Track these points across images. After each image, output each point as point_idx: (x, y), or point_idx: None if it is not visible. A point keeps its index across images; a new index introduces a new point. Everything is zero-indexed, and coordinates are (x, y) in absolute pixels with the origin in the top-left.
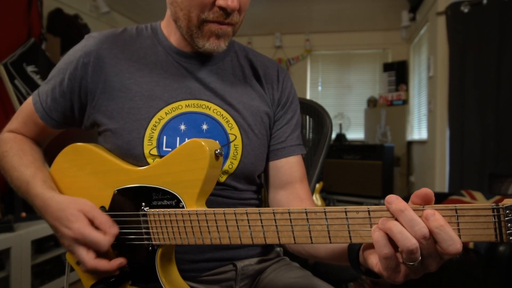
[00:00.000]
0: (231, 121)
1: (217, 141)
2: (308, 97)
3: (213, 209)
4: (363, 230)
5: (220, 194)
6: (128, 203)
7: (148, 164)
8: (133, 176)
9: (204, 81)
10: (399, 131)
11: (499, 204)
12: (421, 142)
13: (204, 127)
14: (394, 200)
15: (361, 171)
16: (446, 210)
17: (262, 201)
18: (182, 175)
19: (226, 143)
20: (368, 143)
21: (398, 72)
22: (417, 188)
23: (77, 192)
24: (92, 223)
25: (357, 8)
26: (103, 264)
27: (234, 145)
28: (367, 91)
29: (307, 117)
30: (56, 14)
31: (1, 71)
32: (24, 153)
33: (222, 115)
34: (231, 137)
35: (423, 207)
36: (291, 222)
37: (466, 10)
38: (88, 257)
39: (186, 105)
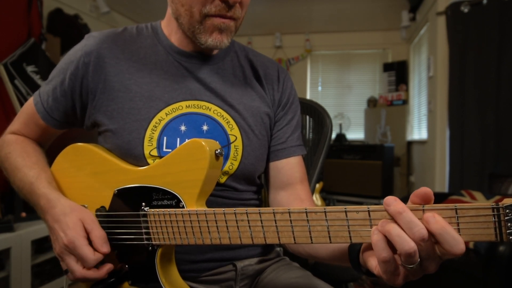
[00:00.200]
0: (232, 122)
1: (217, 141)
2: (308, 97)
3: (213, 209)
4: (363, 230)
5: (220, 195)
6: (128, 203)
7: (148, 165)
8: (133, 176)
9: (204, 82)
10: (399, 131)
11: (499, 203)
12: (421, 142)
13: (205, 128)
14: (392, 202)
15: (361, 171)
16: (446, 210)
17: (262, 202)
18: (182, 175)
19: (226, 144)
20: (368, 143)
21: (398, 72)
22: (417, 188)
23: (77, 192)
24: (88, 236)
25: (357, 8)
26: (91, 274)
27: (235, 146)
28: (367, 91)
29: (307, 117)
30: (56, 14)
31: (1, 71)
32: (27, 154)
33: (222, 116)
34: (232, 138)
35: (423, 207)
36: (291, 222)
37: (466, 10)
38: (77, 267)
39: (186, 106)
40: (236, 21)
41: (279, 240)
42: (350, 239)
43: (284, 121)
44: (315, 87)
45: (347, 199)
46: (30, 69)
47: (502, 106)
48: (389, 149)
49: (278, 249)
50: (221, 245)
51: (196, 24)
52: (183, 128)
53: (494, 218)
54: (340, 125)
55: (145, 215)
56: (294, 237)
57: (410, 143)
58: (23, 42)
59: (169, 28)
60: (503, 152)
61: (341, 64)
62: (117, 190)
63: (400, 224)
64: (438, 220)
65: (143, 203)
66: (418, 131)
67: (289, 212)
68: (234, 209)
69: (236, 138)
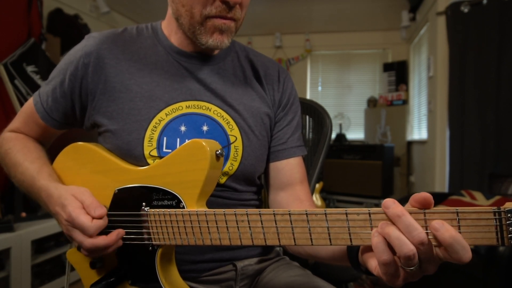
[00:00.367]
0: (232, 122)
1: (217, 142)
2: (308, 97)
3: (214, 209)
4: (364, 232)
5: (220, 195)
6: (129, 203)
7: (148, 165)
8: (134, 176)
9: (204, 82)
10: (399, 131)
11: (501, 207)
12: (421, 142)
13: (205, 128)
14: (391, 205)
15: (361, 171)
16: (448, 213)
17: (262, 202)
18: (182, 176)
19: (226, 145)
20: (368, 143)
21: (398, 72)
22: (417, 188)
23: None
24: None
25: (357, 8)
26: (101, 240)
27: (235, 146)
28: (367, 91)
29: (307, 117)
30: (56, 14)
31: (1, 71)
32: (28, 149)
33: (222, 116)
34: (232, 139)
35: (424, 210)
36: (291, 224)
37: (466, 10)
38: (84, 238)
39: (186, 106)
40: (236, 21)
41: (279, 241)
42: (351, 241)
43: (284, 122)
44: (315, 87)
45: (347, 199)
46: (30, 69)
47: (502, 106)
48: (389, 149)
49: (278, 248)
50: (221, 245)
51: (196, 25)
52: (183, 128)
53: (496, 222)
54: (340, 125)
55: (145, 215)
56: (294, 239)
57: (410, 143)
58: (23, 42)
59: (169, 29)
60: (503, 152)
61: (341, 64)
62: (117, 189)
63: (399, 227)
64: (448, 229)
65: (144, 203)
66: (418, 131)
67: (289, 214)
68: (235, 210)
69: (236, 138)
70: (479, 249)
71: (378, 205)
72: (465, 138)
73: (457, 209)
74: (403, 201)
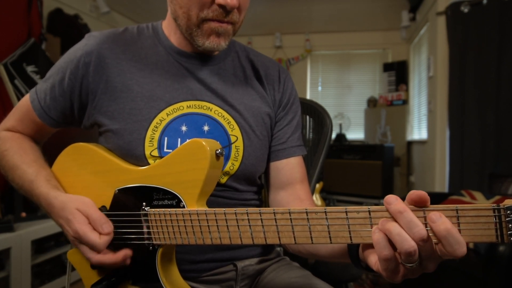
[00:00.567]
0: (232, 122)
1: (218, 141)
2: (308, 97)
3: (214, 209)
4: (364, 230)
5: (221, 195)
6: (129, 202)
7: (149, 165)
8: (134, 176)
9: (205, 82)
10: (399, 131)
11: (500, 204)
12: (421, 142)
13: (206, 128)
14: (393, 201)
15: (361, 171)
16: (447, 211)
17: (263, 202)
18: (183, 175)
19: (227, 145)
20: (368, 143)
21: (398, 72)
22: (417, 188)
23: (78, 191)
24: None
25: (357, 8)
26: (108, 258)
27: (235, 146)
28: (367, 91)
29: (307, 117)
30: (56, 14)
31: (1, 71)
32: (25, 151)
33: (223, 116)
34: (232, 139)
35: (424, 208)
36: (291, 222)
37: (466, 10)
38: (92, 254)
39: (187, 106)
40: (234, 25)
41: (279, 240)
42: (351, 239)
43: (284, 122)
44: (315, 87)
45: (347, 199)
46: (30, 69)
47: (502, 106)
48: (389, 149)
49: (278, 249)
50: (222, 245)
51: (193, 27)
52: (184, 128)
53: (495, 219)
54: (340, 125)
55: (145, 215)
56: (294, 237)
57: (410, 143)
58: (23, 42)
59: (169, 29)
60: (503, 152)
61: (341, 64)
62: (118, 189)
63: (400, 224)
64: (444, 221)
65: (144, 203)
66: (418, 131)
67: (289, 212)
68: (235, 209)
69: (237, 138)
70: (479, 249)
71: (378, 205)
72: (465, 138)
73: (456, 207)
74: (403, 200)
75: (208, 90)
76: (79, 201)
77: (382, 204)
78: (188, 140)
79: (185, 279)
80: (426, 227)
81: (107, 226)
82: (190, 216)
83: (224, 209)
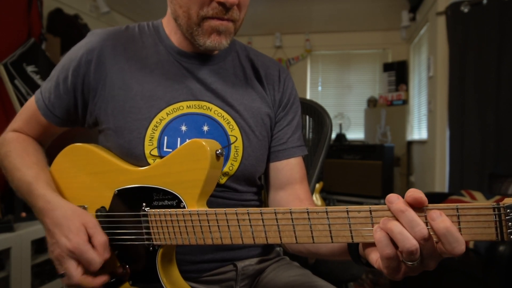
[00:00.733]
0: (232, 122)
1: (217, 142)
2: (308, 97)
3: (214, 209)
4: (365, 229)
5: (221, 196)
6: (129, 203)
7: (148, 164)
8: (134, 177)
9: (205, 82)
10: (399, 131)
11: (500, 203)
12: (421, 142)
13: (205, 128)
14: (395, 200)
15: (361, 171)
16: (448, 210)
17: (263, 202)
18: (183, 176)
19: (227, 145)
20: (368, 143)
21: (398, 72)
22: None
23: (77, 192)
24: (89, 239)
25: (357, 8)
26: (89, 281)
27: (235, 146)
28: (367, 91)
29: (307, 117)
30: (56, 14)
31: (1, 71)
32: (27, 153)
33: (223, 116)
34: (232, 139)
35: (427, 206)
36: (292, 222)
37: (466, 10)
38: (77, 272)
39: (187, 106)
40: (235, 23)
41: (280, 239)
42: (352, 239)
43: (284, 122)
44: (315, 87)
45: (347, 199)
46: (30, 69)
47: (502, 106)
48: (389, 149)
49: (278, 249)
50: (222, 245)
51: (194, 26)
52: (183, 128)
53: (495, 218)
54: (340, 125)
55: (145, 215)
56: (295, 237)
57: (410, 143)
58: (23, 42)
59: (169, 28)
60: (503, 152)
61: (341, 64)
62: (117, 190)
63: (402, 223)
64: (443, 220)
65: (144, 204)
66: (418, 131)
67: (290, 212)
68: (235, 209)
69: (237, 139)
70: (479, 249)
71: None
72: (465, 138)
73: (457, 205)
74: None
75: (208, 90)
76: (85, 217)
77: (383, 204)
78: (188, 140)
79: (185, 279)
80: (427, 225)
81: (107, 252)
82: (191, 216)
83: (224, 209)
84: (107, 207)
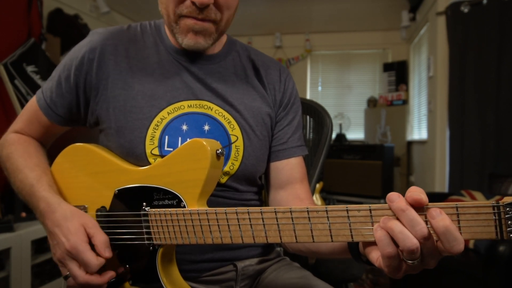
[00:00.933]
0: (233, 122)
1: (218, 141)
2: (308, 97)
3: (215, 208)
4: (365, 228)
5: (221, 195)
6: (129, 203)
7: (149, 163)
8: (134, 176)
9: (205, 81)
10: (399, 131)
11: (500, 201)
12: (421, 142)
13: (206, 127)
14: (396, 199)
15: (361, 171)
16: (447, 208)
17: (263, 202)
18: (183, 175)
19: (227, 144)
20: (368, 143)
21: (398, 72)
22: None
23: (77, 192)
24: (90, 240)
25: (357, 8)
26: (94, 279)
27: (236, 146)
28: (367, 91)
29: (307, 117)
30: (56, 14)
31: (1, 71)
32: (29, 155)
33: (223, 116)
34: (233, 138)
35: (427, 205)
36: (292, 221)
37: (466, 10)
38: (80, 272)
39: (188, 106)
40: (216, 23)
41: (280, 239)
42: (352, 238)
43: (285, 122)
44: (315, 87)
45: (347, 199)
46: (30, 69)
47: (502, 106)
48: (389, 149)
49: (278, 249)
50: (222, 245)
51: (173, 24)
52: (184, 127)
53: (495, 216)
54: (340, 125)
55: (146, 215)
56: (295, 236)
57: (410, 143)
58: (23, 42)
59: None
60: (503, 152)
61: (341, 64)
62: (117, 190)
63: (403, 221)
64: (443, 218)
65: (144, 203)
66: (418, 131)
67: (290, 211)
68: (236, 208)
69: (237, 138)
70: (479, 249)
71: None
72: (465, 138)
73: (456, 204)
74: None
75: (209, 90)
76: (85, 218)
77: (383, 204)
78: (188, 140)
79: (185, 279)
80: (427, 224)
81: (109, 251)
82: (191, 216)
83: (225, 208)
84: (108, 206)
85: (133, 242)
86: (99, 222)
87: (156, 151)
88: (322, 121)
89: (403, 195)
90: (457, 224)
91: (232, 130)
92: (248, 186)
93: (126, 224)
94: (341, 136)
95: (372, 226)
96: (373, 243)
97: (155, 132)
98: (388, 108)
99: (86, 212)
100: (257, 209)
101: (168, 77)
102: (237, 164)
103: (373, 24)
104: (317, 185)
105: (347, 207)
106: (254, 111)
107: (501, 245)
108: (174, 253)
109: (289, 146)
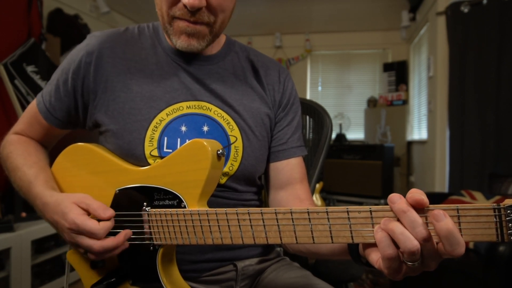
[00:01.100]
0: (232, 122)
1: (218, 142)
2: (308, 97)
3: (215, 209)
4: (365, 230)
5: (221, 196)
6: (130, 203)
7: (149, 165)
8: (135, 176)
9: (204, 82)
10: (399, 131)
11: (500, 204)
12: (421, 142)
13: (205, 128)
14: (397, 200)
15: (361, 171)
16: (448, 210)
17: (263, 202)
18: (184, 175)
19: (227, 145)
20: (368, 143)
21: (398, 72)
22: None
23: (78, 191)
24: (88, 213)
25: (357, 8)
26: (110, 242)
27: (235, 147)
28: (367, 91)
29: (307, 117)
30: (56, 14)
31: (1, 71)
32: (28, 154)
33: (222, 116)
34: (232, 139)
35: (427, 207)
36: (293, 222)
37: (466, 10)
38: (93, 242)
39: (187, 107)
40: (210, 26)
41: (280, 240)
42: (352, 239)
43: (284, 122)
44: (315, 87)
45: (347, 199)
46: (30, 69)
47: (502, 106)
48: (389, 149)
49: (278, 249)
50: (222, 245)
51: (167, 25)
52: (183, 128)
53: (496, 219)
54: (340, 125)
55: (146, 215)
56: (296, 237)
57: (410, 143)
58: (23, 42)
59: None
60: (503, 152)
61: (341, 64)
62: (118, 190)
63: (404, 223)
64: (447, 222)
65: (145, 203)
66: (418, 131)
67: (291, 212)
68: (236, 209)
69: (237, 139)
70: (479, 249)
71: (378, 205)
72: (465, 138)
73: (457, 206)
74: None
75: (207, 91)
76: (76, 196)
77: (383, 204)
78: (189, 141)
79: (185, 279)
80: (427, 226)
81: (108, 211)
82: (191, 216)
83: (225, 209)
84: (108, 206)
85: (134, 242)
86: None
87: (155, 153)
88: (322, 121)
89: (404, 195)
90: (457, 226)
91: (231, 131)
92: (247, 186)
93: (126, 224)
94: (341, 136)
95: (373, 227)
96: (373, 245)
97: (154, 133)
98: (388, 108)
99: None
100: (258, 209)
101: (167, 78)
102: (236, 164)
103: (373, 24)
104: (317, 185)
105: (347, 208)
106: (253, 111)
107: (501, 245)
108: (174, 253)
109: (288, 146)
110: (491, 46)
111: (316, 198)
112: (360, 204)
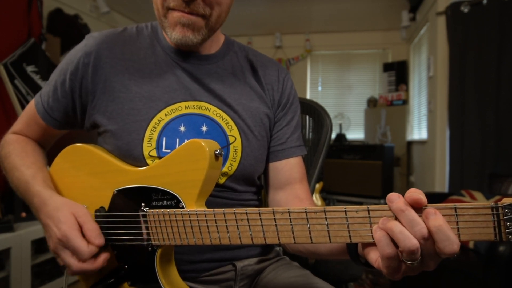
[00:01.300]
0: (231, 122)
1: (216, 142)
2: (308, 97)
3: (213, 209)
4: (363, 229)
5: (220, 196)
6: (128, 203)
7: (147, 165)
8: (133, 177)
9: (203, 82)
10: (399, 131)
11: (498, 203)
12: (421, 142)
13: (204, 128)
14: (395, 199)
15: (361, 171)
16: (446, 209)
17: (262, 202)
18: (182, 176)
19: (225, 145)
20: (368, 143)
21: (398, 72)
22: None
23: (76, 192)
24: (81, 229)
25: (357, 8)
26: (88, 266)
27: (234, 147)
28: (367, 91)
29: (307, 117)
30: (56, 14)
31: (1, 71)
32: (26, 154)
33: (221, 116)
34: (231, 139)
35: (426, 206)
36: (291, 222)
37: (466, 10)
38: (73, 261)
39: (185, 107)
40: (206, 18)
41: (278, 240)
42: (350, 239)
43: (283, 122)
44: (315, 87)
45: (347, 199)
46: (30, 69)
47: (502, 106)
48: (389, 149)
49: (277, 248)
50: (221, 245)
51: (162, 18)
52: (182, 128)
53: (494, 218)
54: (340, 125)
55: (144, 216)
56: (294, 237)
57: (410, 143)
58: (23, 42)
59: None
60: (503, 152)
61: (341, 64)
62: (116, 190)
63: (402, 222)
64: (437, 218)
65: (143, 204)
66: (418, 131)
67: (288, 212)
68: (234, 209)
69: (235, 139)
70: (479, 249)
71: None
72: (465, 138)
73: (455, 205)
74: None
75: (206, 91)
76: (76, 207)
77: (383, 204)
78: (187, 141)
79: (184, 279)
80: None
81: (100, 238)
82: (189, 217)
83: (223, 209)
84: (106, 207)
85: (132, 243)
86: (98, 222)
87: (154, 153)
88: (322, 121)
89: (403, 195)
90: (455, 225)
91: (230, 131)
92: (246, 186)
93: (124, 224)
94: (341, 136)
95: (371, 227)
96: (372, 244)
97: (152, 133)
98: (388, 108)
99: None
100: (255, 210)
101: (166, 78)
102: (235, 164)
103: (373, 24)
104: (317, 185)
105: (345, 208)
106: (252, 111)
107: (501, 245)
108: (173, 254)
109: (288, 146)
110: (491, 46)
111: (316, 198)
112: (360, 204)
